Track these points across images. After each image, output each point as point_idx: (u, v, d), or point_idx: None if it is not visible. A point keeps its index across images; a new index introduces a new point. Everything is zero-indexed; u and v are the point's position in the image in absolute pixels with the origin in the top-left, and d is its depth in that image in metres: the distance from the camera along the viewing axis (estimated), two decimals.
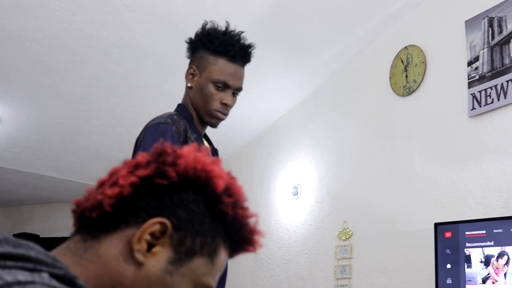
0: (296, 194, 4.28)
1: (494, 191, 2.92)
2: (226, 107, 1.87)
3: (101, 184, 0.81)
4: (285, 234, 4.31)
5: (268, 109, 4.48)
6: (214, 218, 0.81)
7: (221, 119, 1.89)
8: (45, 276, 0.68)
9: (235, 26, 1.90)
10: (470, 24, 3.14)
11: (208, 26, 1.87)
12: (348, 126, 3.94)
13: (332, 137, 4.06)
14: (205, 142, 1.93)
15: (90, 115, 4.36)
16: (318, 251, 3.98)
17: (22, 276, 0.66)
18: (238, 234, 0.83)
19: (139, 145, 1.76)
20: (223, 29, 1.87)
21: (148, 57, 3.77)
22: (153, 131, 1.72)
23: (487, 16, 3.05)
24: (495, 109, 2.96)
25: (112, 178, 0.80)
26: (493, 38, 3.02)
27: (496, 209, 2.89)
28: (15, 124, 4.46)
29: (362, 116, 3.84)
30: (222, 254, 0.83)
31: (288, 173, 4.40)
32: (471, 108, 3.07)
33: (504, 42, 2.96)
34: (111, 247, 0.78)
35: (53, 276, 0.69)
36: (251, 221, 0.84)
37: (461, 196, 3.08)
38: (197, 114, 1.88)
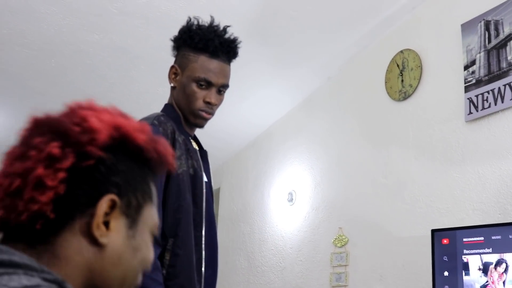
0: (291, 200, 4.23)
1: (492, 197, 2.88)
2: (211, 106, 1.77)
3: (16, 191, 0.74)
4: (280, 241, 4.26)
5: (263, 115, 4.44)
6: (141, 166, 0.82)
7: (206, 119, 1.80)
8: (39, 281, 0.66)
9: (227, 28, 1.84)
10: (467, 27, 3.10)
11: (191, 22, 1.81)
12: (343, 131, 3.90)
13: (327, 143, 4.02)
14: (193, 143, 1.85)
15: None
16: (313, 258, 3.92)
17: (26, 280, 0.65)
18: (162, 165, 0.86)
19: None
20: (207, 25, 1.79)
21: (140, 61, 3.72)
22: None
23: (484, 19, 3.02)
24: (492, 113, 2.92)
25: (29, 180, 0.74)
26: (489, 41, 2.98)
27: (494, 215, 2.84)
28: (7, 129, 4.41)
29: (358, 121, 3.80)
30: (154, 188, 0.86)
31: (283, 179, 4.35)
32: (468, 112, 3.02)
33: (501, 45, 2.92)
34: (67, 244, 0.76)
35: (45, 280, 0.67)
36: (168, 148, 0.86)
37: (458, 202, 3.04)
38: (183, 114, 1.80)
